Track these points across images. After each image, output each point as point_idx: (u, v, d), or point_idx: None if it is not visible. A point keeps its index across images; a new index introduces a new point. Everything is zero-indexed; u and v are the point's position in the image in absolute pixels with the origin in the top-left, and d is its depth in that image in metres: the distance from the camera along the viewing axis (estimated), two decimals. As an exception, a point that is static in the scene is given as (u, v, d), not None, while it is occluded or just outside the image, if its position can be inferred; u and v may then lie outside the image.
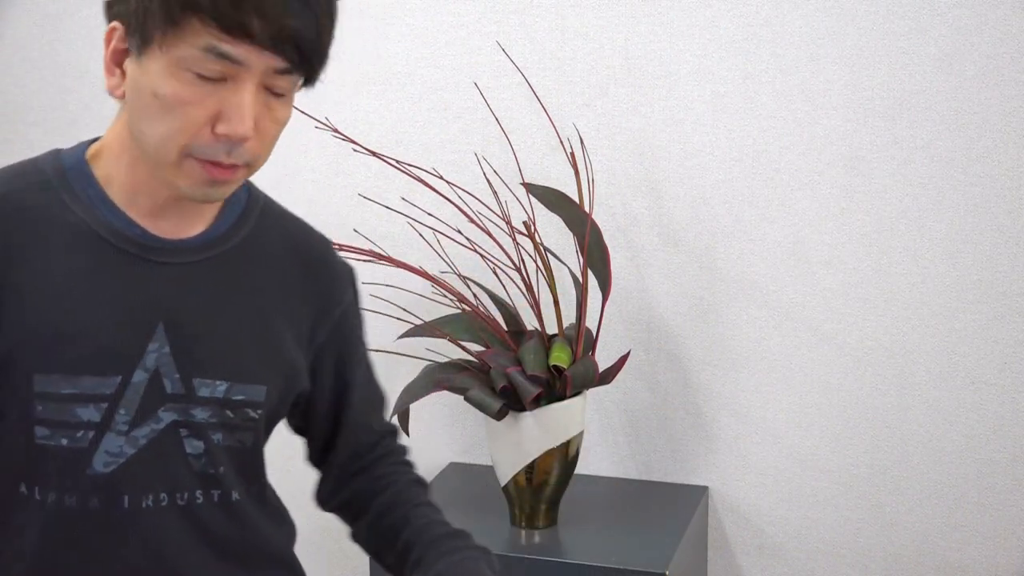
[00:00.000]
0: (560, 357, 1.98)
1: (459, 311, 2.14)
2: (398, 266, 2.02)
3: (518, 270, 2.05)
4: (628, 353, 2.01)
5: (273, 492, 1.41)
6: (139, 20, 1.14)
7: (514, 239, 2.04)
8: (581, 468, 2.34)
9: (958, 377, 2.13)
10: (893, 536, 2.20)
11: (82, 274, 1.22)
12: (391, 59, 2.31)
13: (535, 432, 1.98)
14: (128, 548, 1.24)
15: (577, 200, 2.08)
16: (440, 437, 2.41)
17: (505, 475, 2.04)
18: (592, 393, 2.31)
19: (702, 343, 2.24)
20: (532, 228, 2.06)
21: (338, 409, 1.44)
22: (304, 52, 1.17)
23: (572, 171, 2.18)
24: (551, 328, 2.23)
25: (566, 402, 1.98)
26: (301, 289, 1.36)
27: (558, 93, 2.24)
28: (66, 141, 1.35)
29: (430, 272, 2.15)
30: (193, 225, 1.28)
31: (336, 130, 1.99)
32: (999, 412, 2.12)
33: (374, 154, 2.01)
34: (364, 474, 1.46)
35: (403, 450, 1.50)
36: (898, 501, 2.19)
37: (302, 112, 2.11)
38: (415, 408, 2.41)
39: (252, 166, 1.21)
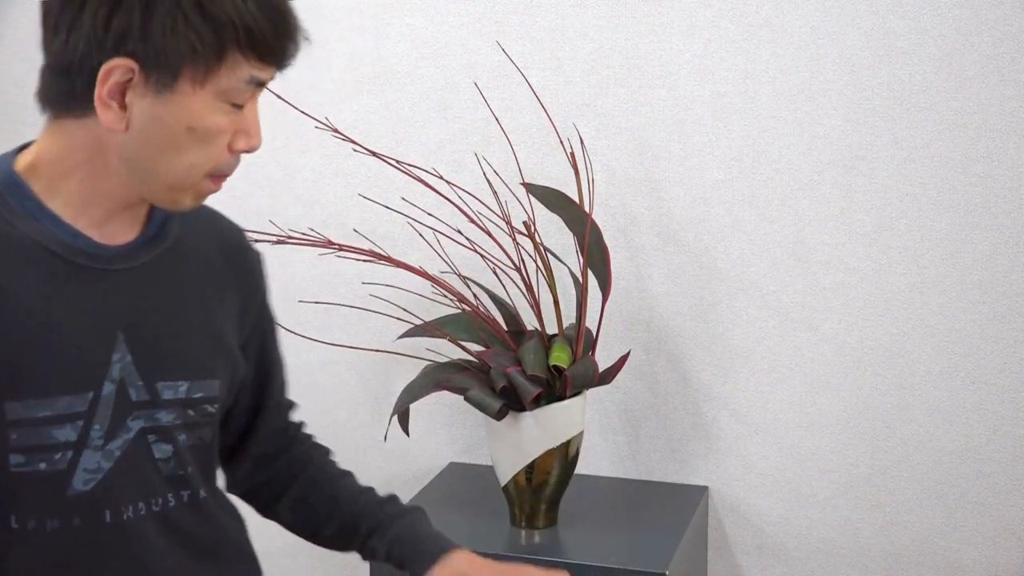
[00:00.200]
0: (560, 357, 1.98)
1: (459, 311, 2.14)
2: (398, 266, 2.02)
3: (518, 270, 2.05)
4: (628, 353, 2.01)
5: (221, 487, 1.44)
6: (166, 57, 1.14)
7: (514, 239, 2.04)
8: (581, 468, 2.34)
9: (958, 377, 2.13)
10: (893, 536, 2.20)
11: (37, 291, 1.19)
12: (391, 59, 2.31)
13: (535, 432, 1.98)
14: (114, 563, 1.24)
15: (577, 200, 2.08)
16: (440, 437, 2.41)
17: (505, 475, 2.04)
18: (592, 393, 2.31)
19: (702, 343, 2.24)
20: (532, 228, 2.06)
21: (262, 389, 1.47)
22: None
23: (572, 171, 2.18)
24: (551, 328, 2.23)
25: (566, 402, 1.98)
26: (229, 278, 1.38)
27: (558, 93, 2.24)
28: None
29: (430, 272, 2.15)
30: (131, 229, 1.28)
31: (336, 130, 1.99)
32: (999, 412, 2.12)
33: (374, 154, 2.01)
34: (284, 454, 1.51)
35: (302, 423, 1.57)
36: (898, 501, 2.19)
37: (302, 112, 2.11)
38: (415, 408, 2.41)
39: None
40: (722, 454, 2.27)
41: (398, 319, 2.25)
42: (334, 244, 2.00)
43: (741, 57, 2.15)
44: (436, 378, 2.03)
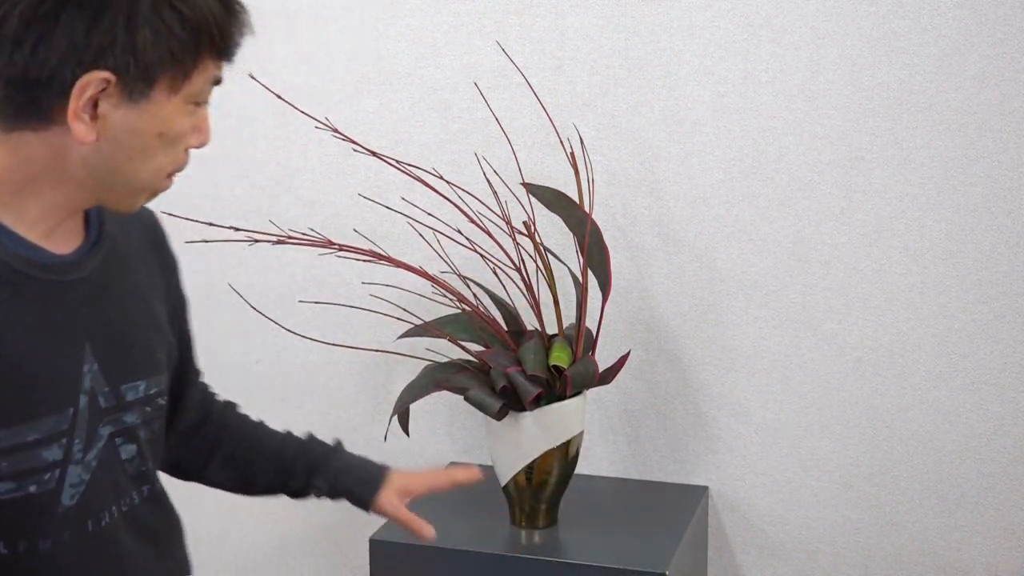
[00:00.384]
0: (560, 357, 1.98)
1: (459, 311, 2.14)
2: (398, 266, 2.02)
3: (518, 270, 2.05)
4: (628, 353, 2.01)
5: None
6: (146, 67, 1.14)
7: (514, 239, 2.04)
8: (581, 468, 2.34)
9: (958, 377, 2.13)
10: (893, 536, 2.20)
11: (5, 310, 1.17)
12: (391, 59, 2.32)
13: (535, 432, 1.98)
14: (96, 571, 1.25)
15: (577, 200, 2.08)
16: (440, 437, 2.41)
17: (505, 475, 2.04)
18: (592, 393, 2.31)
19: (702, 343, 2.24)
20: (532, 228, 2.06)
21: (185, 364, 1.49)
22: None
23: (572, 171, 2.18)
24: (551, 328, 2.23)
25: (566, 402, 1.98)
26: (154, 262, 1.39)
27: (558, 93, 2.24)
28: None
29: (430, 272, 2.15)
30: (76, 237, 1.27)
31: (336, 130, 1.99)
32: (999, 412, 2.12)
33: (374, 154, 2.01)
34: (208, 421, 1.56)
35: (208, 384, 1.61)
36: (898, 501, 2.19)
37: (302, 112, 2.11)
38: (415, 408, 2.41)
39: None
40: (722, 454, 2.27)
41: (398, 319, 2.25)
42: (334, 244, 2.00)
43: (741, 57, 2.15)
44: (436, 378, 2.03)
